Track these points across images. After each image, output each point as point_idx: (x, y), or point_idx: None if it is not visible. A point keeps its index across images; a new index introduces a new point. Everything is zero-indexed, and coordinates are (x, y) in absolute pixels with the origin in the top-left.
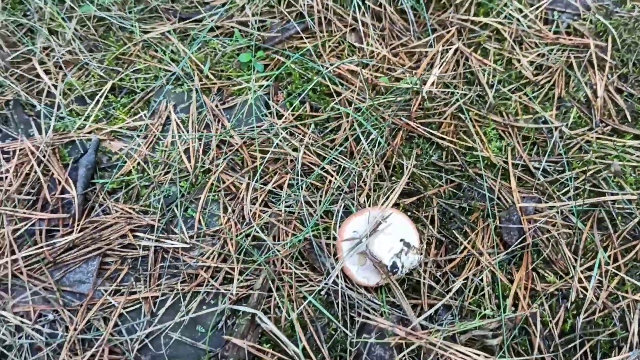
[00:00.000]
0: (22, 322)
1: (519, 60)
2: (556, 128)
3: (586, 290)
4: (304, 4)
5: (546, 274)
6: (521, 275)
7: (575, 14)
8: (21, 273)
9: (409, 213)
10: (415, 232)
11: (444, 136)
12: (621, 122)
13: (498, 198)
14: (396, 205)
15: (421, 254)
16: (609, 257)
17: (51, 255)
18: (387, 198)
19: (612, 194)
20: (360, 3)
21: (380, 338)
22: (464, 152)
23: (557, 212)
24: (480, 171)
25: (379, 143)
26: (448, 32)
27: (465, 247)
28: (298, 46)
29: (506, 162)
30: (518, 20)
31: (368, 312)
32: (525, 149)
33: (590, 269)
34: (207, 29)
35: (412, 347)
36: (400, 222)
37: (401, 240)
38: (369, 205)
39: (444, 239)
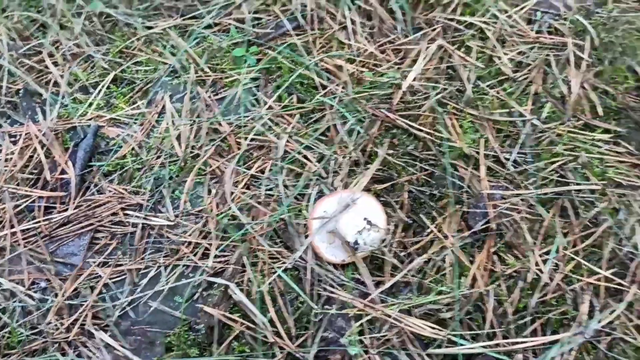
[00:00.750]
0: (16, 289)
1: (499, 58)
2: (528, 121)
3: (542, 272)
4: (298, 3)
5: (507, 257)
6: (482, 257)
7: (557, 14)
8: (19, 245)
9: (381, 198)
10: (382, 214)
11: (422, 127)
12: (593, 117)
13: (468, 186)
14: (368, 190)
15: (387, 232)
16: (569, 242)
17: (47, 229)
18: (359, 182)
19: (577, 184)
20: (351, 3)
21: (341, 310)
22: (439, 143)
23: (522, 200)
24: (453, 161)
25: (358, 132)
26: (433, 30)
27: (431, 231)
28: (291, 42)
29: (478, 153)
30: (502, 20)
31: (333, 287)
32: (498, 141)
33: (549, 253)
34: (204, 25)
35: (367, 318)
36: (368, 204)
37: (365, 219)
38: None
39: (412, 222)
